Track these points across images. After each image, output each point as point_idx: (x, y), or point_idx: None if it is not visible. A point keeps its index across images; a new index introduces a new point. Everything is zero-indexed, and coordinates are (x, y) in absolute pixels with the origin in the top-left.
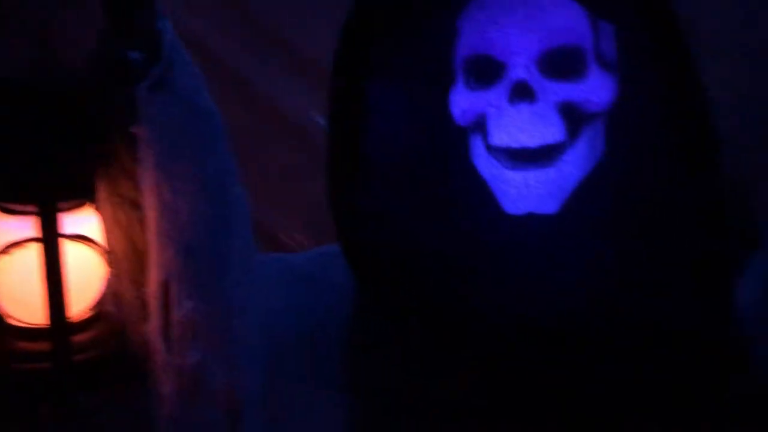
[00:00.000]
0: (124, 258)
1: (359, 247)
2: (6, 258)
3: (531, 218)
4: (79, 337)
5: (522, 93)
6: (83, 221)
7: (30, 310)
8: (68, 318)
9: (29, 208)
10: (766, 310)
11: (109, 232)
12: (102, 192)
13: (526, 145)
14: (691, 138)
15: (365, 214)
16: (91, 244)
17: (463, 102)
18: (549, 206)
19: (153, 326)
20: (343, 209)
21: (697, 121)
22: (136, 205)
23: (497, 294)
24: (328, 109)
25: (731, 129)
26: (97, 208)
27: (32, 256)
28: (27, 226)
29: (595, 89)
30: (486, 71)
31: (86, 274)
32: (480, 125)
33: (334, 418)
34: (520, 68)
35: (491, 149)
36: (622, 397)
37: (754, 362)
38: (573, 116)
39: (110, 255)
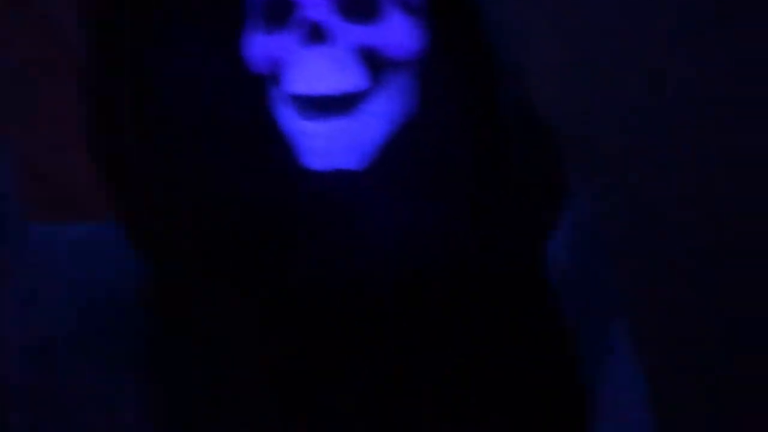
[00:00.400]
0: None
1: (138, 213)
2: None
3: (336, 175)
4: None
5: (316, 35)
6: None
7: None
8: None
9: None
10: (577, 263)
11: None
12: None
13: (324, 93)
14: (500, 92)
15: (144, 174)
16: None
17: (258, 46)
18: (355, 161)
19: None
20: (115, 170)
21: (503, 73)
22: None
23: (302, 256)
24: (88, 53)
25: (544, 84)
26: None
27: None
28: None
29: (397, 34)
30: (279, 11)
31: None
32: (277, 72)
33: (124, 406)
34: (314, 8)
35: (289, 98)
36: (442, 361)
37: (566, 319)
38: (375, 62)
39: None
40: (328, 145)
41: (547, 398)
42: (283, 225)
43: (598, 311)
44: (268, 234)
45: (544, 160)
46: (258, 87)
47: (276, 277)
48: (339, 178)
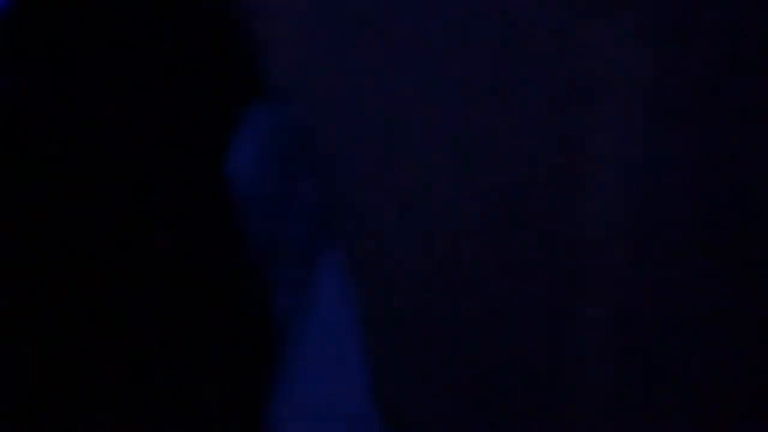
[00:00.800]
0: None
1: None
2: None
3: None
4: None
5: None
6: None
7: None
8: None
9: None
10: (263, 168)
11: None
12: None
13: None
14: None
15: None
16: None
17: None
18: None
19: None
20: None
21: None
22: None
23: None
24: None
25: None
26: None
27: None
28: None
29: None
30: None
31: None
32: None
33: None
34: None
35: None
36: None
37: (254, 244)
38: None
39: None
40: None
41: (224, 334)
42: None
43: (298, 237)
44: None
45: (227, 52)
46: None
47: None
48: None
